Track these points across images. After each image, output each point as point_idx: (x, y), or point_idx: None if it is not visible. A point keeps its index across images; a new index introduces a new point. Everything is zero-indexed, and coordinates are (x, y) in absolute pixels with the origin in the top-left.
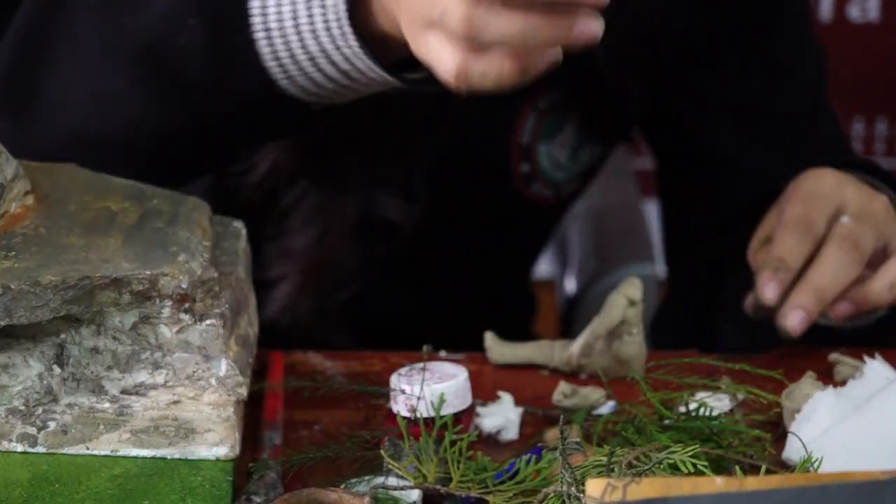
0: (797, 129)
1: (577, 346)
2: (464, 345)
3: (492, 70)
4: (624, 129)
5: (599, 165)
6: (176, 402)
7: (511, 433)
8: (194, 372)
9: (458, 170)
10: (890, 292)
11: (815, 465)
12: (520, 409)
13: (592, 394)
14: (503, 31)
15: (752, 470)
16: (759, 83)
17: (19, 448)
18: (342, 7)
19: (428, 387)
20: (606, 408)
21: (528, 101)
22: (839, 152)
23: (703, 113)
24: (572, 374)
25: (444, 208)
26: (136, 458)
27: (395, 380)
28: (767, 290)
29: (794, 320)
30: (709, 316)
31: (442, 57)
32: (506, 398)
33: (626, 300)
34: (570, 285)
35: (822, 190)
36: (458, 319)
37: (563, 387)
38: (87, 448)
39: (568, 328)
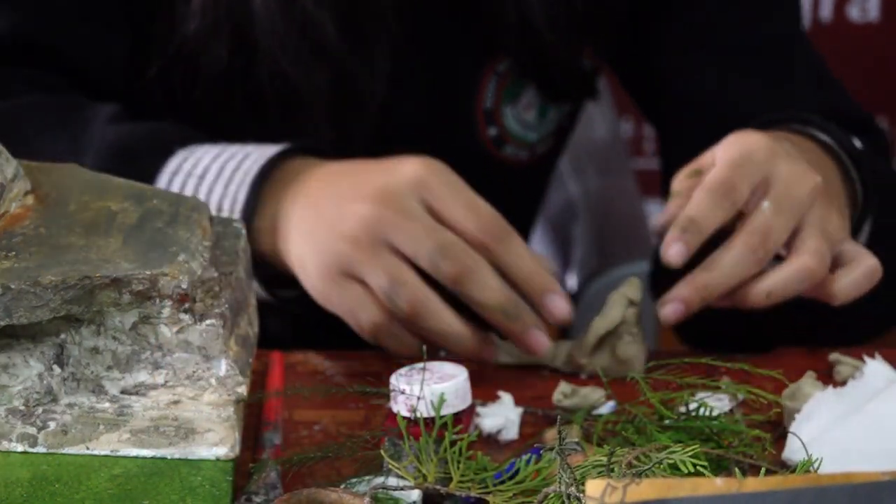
0: (780, 66)
1: (577, 345)
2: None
3: (406, 340)
4: (584, 87)
5: (571, 123)
6: (176, 402)
7: (511, 433)
8: (194, 372)
9: (427, 140)
10: (766, 299)
11: (816, 465)
12: (520, 409)
13: (592, 394)
14: (443, 328)
15: (752, 470)
16: (725, 16)
17: (19, 448)
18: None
19: (428, 387)
20: (606, 408)
21: (487, 66)
22: (824, 89)
23: (681, 56)
24: (573, 374)
25: None
26: (136, 458)
27: (395, 380)
28: (671, 251)
29: (669, 313)
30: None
31: (362, 312)
32: (506, 398)
33: (627, 300)
34: (572, 282)
35: (754, 157)
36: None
37: (562, 387)
38: (87, 448)
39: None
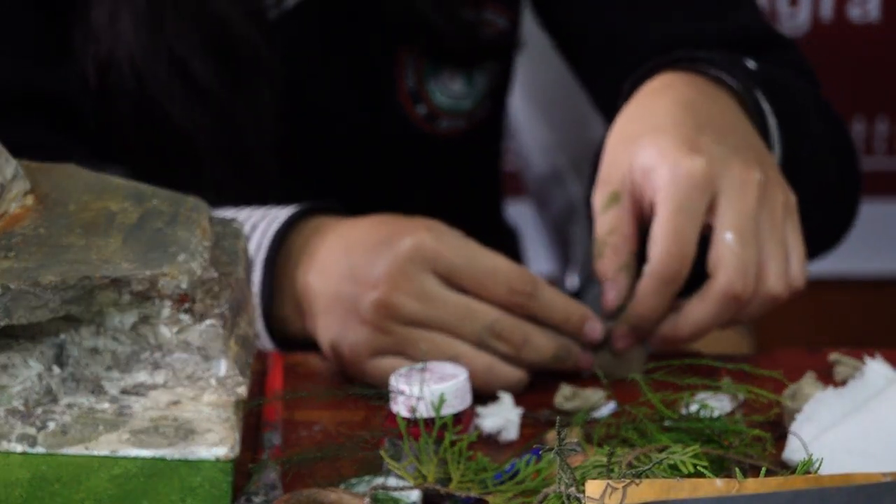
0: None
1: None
2: None
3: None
4: (481, 42)
5: (506, 81)
6: (175, 403)
7: (511, 433)
8: (194, 372)
9: (360, 134)
10: (694, 335)
11: (816, 465)
12: (519, 410)
13: (593, 396)
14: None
15: (753, 470)
16: None
17: (19, 448)
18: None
19: (427, 387)
20: (606, 409)
21: (400, 48)
22: (728, 12)
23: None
24: (574, 375)
25: (361, 177)
26: (135, 458)
27: (394, 380)
28: (618, 342)
29: (621, 343)
30: None
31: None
32: (505, 398)
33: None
34: (573, 282)
35: (692, 197)
36: None
37: (564, 389)
38: (87, 448)
39: None
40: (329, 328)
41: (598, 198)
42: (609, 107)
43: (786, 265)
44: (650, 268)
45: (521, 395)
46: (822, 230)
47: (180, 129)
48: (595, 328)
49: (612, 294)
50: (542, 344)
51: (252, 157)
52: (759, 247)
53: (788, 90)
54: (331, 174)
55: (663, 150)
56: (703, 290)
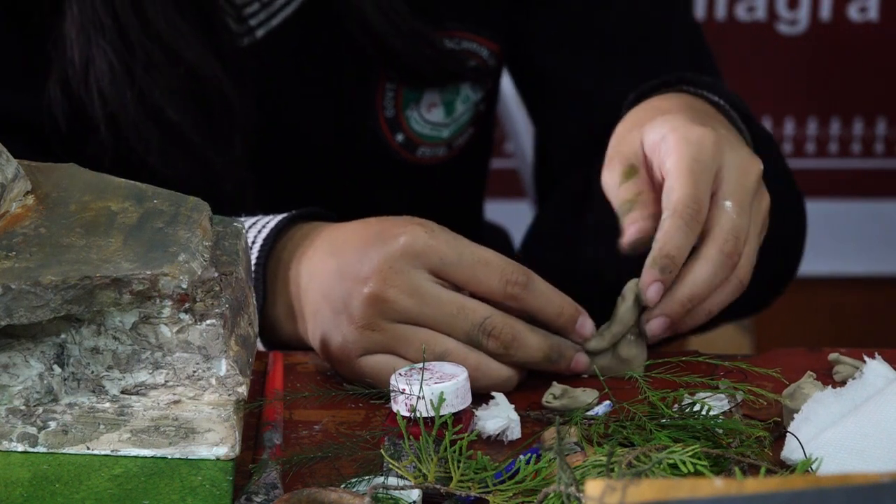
0: (647, 54)
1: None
2: None
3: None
4: (452, 69)
5: (488, 107)
6: (176, 402)
7: (515, 433)
8: (194, 372)
9: (339, 161)
10: (707, 317)
11: (815, 465)
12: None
13: (583, 395)
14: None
15: (752, 470)
16: (599, 10)
17: (20, 448)
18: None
19: (427, 387)
20: (602, 408)
21: (378, 78)
22: (699, 73)
23: (550, 47)
24: (572, 375)
25: (340, 202)
26: (136, 457)
27: (395, 380)
28: (651, 292)
29: (655, 327)
30: (573, 242)
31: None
32: (500, 399)
33: (638, 301)
34: None
35: (705, 156)
36: None
37: (553, 388)
38: (88, 448)
39: None
40: (318, 327)
41: (611, 174)
42: (557, 146)
43: (751, 264)
44: (672, 209)
45: (511, 394)
46: (771, 274)
47: (155, 173)
48: (586, 324)
49: (632, 229)
50: (533, 343)
51: (228, 195)
52: (748, 227)
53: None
54: (309, 199)
55: (674, 125)
56: (699, 251)
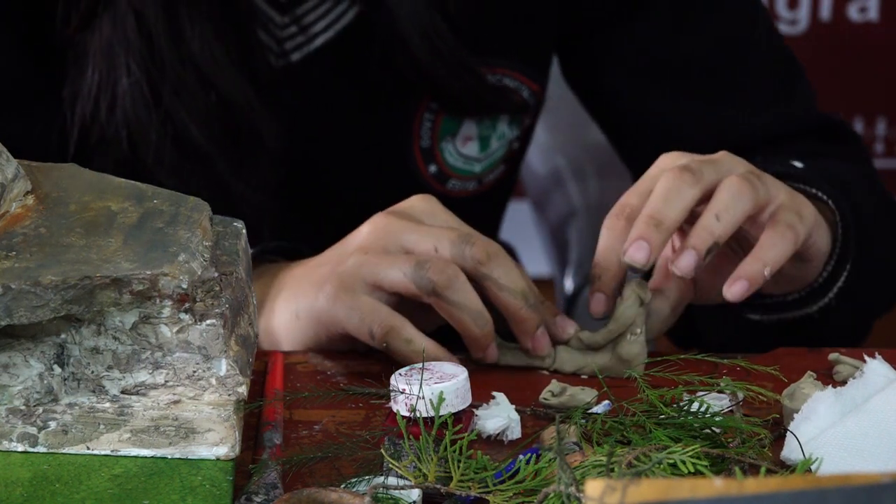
0: (737, 83)
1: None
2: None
3: (428, 318)
4: (495, 104)
5: (521, 146)
6: (176, 402)
7: (515, 433)
8: (194, 372)
9: (368, 185)
10: (768, 275)
11: (815, 465)
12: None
13: (581, 394)
14: (467, 303)
15: (752, 470)
16: (686, 39)
17: (20, 448)
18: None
19: (427, 386)
20: (601, 407)
21: (418, 107)
22: (782, 100)
23: (626, 78)
24: (573, 374)
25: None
26: (136, 457)
27: (395, 380)
28: (632, 249)
29: (737, 290)
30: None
31: (374, 314)
32: (500, 398)
33: (639, 300)
34: (569, 284)
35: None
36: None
37: (551, 386)
38: (88, 448)
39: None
40: (291, 297)
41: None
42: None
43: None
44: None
45: (509, 392)
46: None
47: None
48: (567, 325)
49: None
50: (514, 270)
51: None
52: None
53: (845, 187)
54: (333, 223)
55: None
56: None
